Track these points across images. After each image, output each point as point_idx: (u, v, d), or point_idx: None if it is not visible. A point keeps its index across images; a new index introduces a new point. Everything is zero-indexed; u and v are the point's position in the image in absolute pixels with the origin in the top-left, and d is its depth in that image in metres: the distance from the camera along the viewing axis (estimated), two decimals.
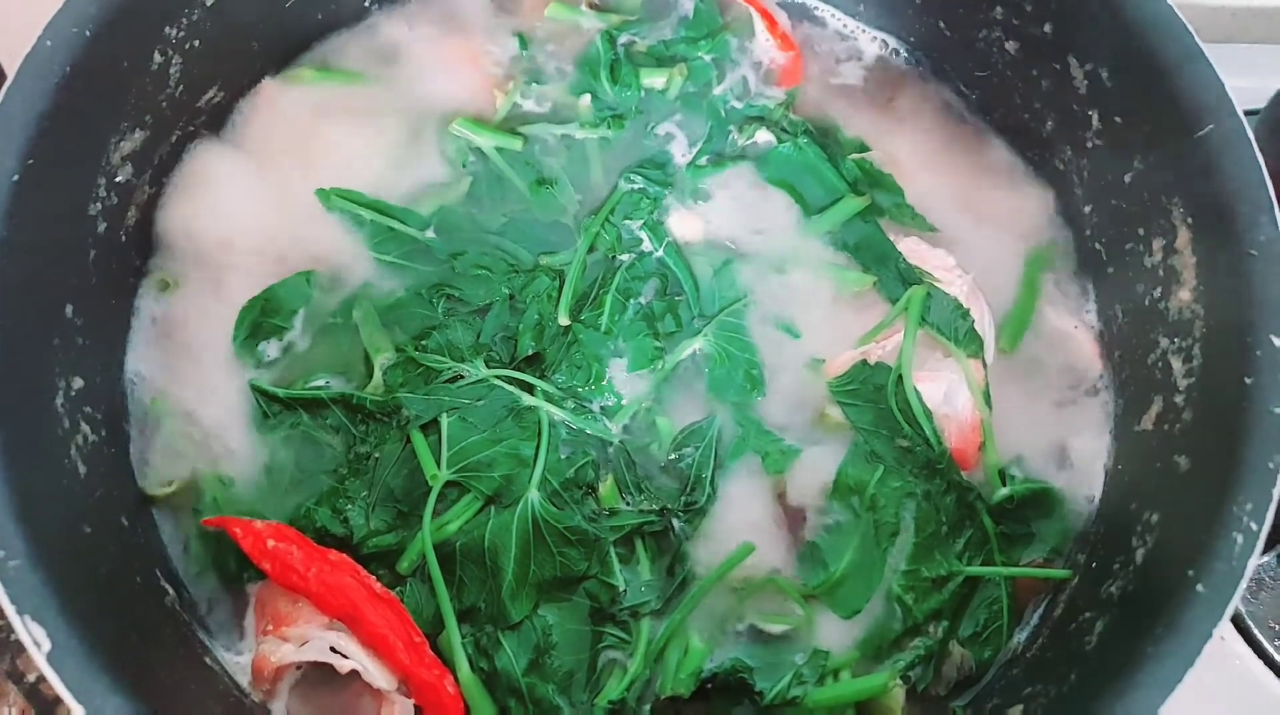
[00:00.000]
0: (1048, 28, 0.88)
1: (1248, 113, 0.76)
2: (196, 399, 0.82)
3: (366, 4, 1.00)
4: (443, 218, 0.91)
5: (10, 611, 0.59)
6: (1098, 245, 0.90)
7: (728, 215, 0.94)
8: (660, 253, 0.91)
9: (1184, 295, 0.79)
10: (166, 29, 0.81)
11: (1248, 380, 0.70)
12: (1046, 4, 0.87)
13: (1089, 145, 0.88)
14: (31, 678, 0.89)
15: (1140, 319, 0.84)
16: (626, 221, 0.92)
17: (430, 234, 0.90)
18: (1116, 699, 0.63)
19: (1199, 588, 0.64)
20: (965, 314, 0.87)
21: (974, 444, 0.85)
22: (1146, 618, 0.67)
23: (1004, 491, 0.83)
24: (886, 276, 0.90)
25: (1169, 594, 0.66)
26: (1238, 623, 0.92)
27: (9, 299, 0.67)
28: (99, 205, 0.78)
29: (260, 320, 0.84)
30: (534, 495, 0.78)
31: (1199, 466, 0.73)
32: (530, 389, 0.83)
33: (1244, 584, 0.63)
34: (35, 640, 0.58)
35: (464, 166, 0.93)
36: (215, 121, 0.92)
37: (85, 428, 0.74)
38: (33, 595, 0.59)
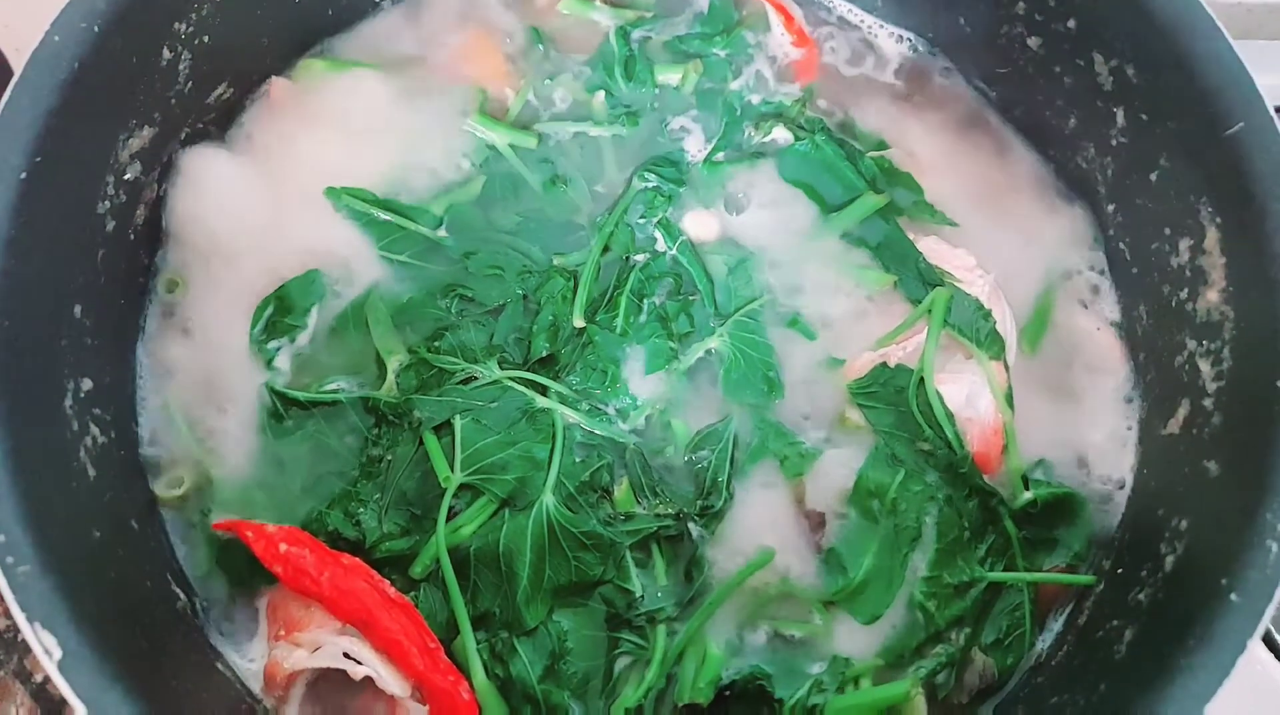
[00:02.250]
0: (1071, 23, 0.87)
1: (1276, 109, 0.75)
2: (207, 399, 0.81)
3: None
4: (455, 216, 0.89)
5: (20, 619, 0.58)
6: (1122, 245, 0.89)
7: (743, 213, 0.93)
8: (674, 252, 0.90)
9: (1212, 296, 0.77)
10: (176, 24, 0.80)
11: None
12: None
13: (1114, 143, 0.87)
14: (39, 678, 0.89)
15: (1166, 320, 0.83)
16: (640, 220, 0.91)
17: (442, 233, 0.89)
18: (1148, 711, 0.62)
19: (1233, 597, 0.63)
20: (987, 315, 0.86)
21: (996, 447, 0.83)
22: (1178, 627, 0.65)
23: (1027, 496, 0.82)
24: (907, 276, 0.88)
25: (1201, 603, 0.65)
26: None
27: (16, 299, 0.66)
28: (107, 204, 0.77)
29: (275, 319, 0.83)
30: (549, 499, 0.77)
31: (1230, 472, 0.72)
32: (544, 391, 0.82)
33: None
34: (46, 648, 0.57)
35: (480, 165, 0.92)
36: (224, 119, 0.91)
37: (94, 430, 0.73)
38: (43, 602, 0.59)
